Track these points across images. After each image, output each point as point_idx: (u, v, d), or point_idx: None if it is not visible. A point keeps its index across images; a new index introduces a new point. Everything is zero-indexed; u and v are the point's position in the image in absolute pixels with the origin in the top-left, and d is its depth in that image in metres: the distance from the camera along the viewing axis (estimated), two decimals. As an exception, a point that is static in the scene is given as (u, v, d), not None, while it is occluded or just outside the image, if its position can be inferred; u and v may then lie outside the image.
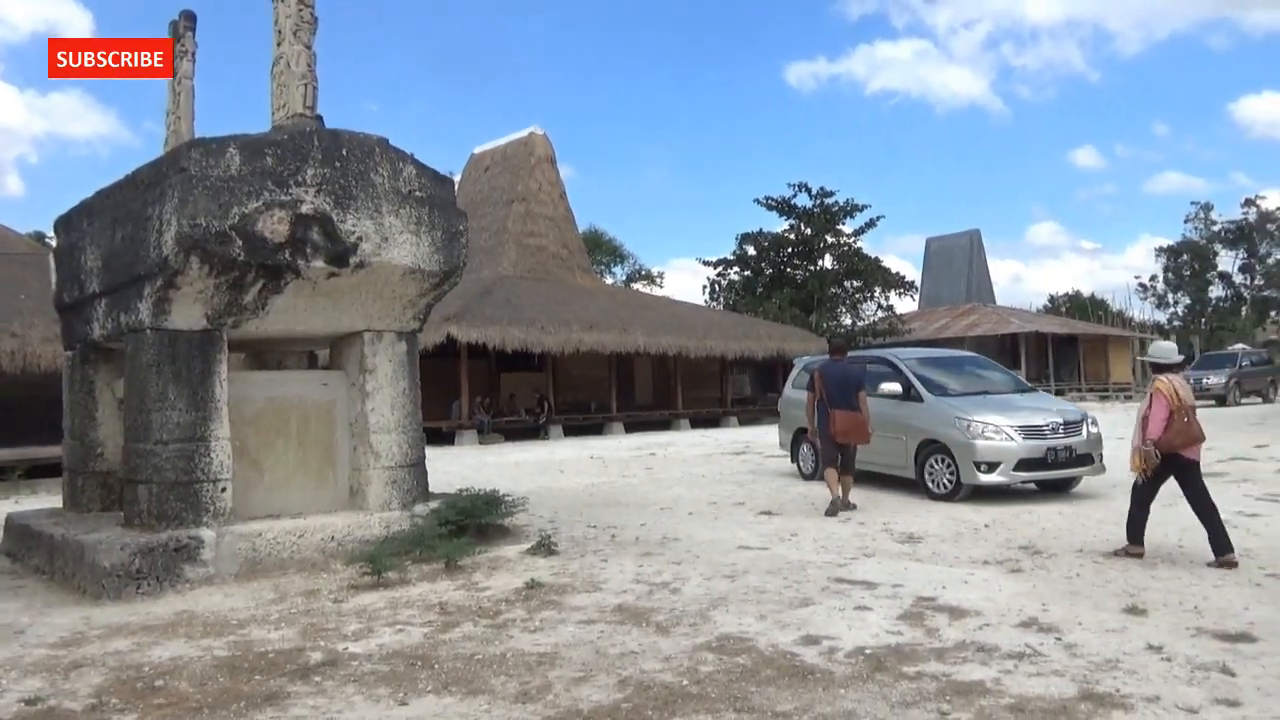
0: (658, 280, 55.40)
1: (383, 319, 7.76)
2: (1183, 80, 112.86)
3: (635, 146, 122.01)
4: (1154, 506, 9.18)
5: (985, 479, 9.67)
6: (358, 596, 6.17)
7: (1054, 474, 10.02)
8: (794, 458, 12.94)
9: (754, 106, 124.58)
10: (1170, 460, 6.77)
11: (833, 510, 9.32)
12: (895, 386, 10.90)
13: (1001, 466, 9.64)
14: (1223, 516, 8.41)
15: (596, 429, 25.63)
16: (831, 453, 9.67)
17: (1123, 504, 9.42)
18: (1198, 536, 7.51)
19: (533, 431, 24.37)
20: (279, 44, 7.81)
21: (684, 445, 20.07)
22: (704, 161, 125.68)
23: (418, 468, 8.03)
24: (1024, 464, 9.71)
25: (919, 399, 10.71)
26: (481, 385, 25.61)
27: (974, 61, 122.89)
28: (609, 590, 6.21)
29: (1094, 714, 3.73)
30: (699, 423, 27.81)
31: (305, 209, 6.83)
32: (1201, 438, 6.81)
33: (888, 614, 5.39)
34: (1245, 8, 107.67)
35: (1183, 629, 4.91)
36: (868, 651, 4.65)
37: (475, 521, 7.77)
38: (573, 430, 24.88)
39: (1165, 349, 7.38)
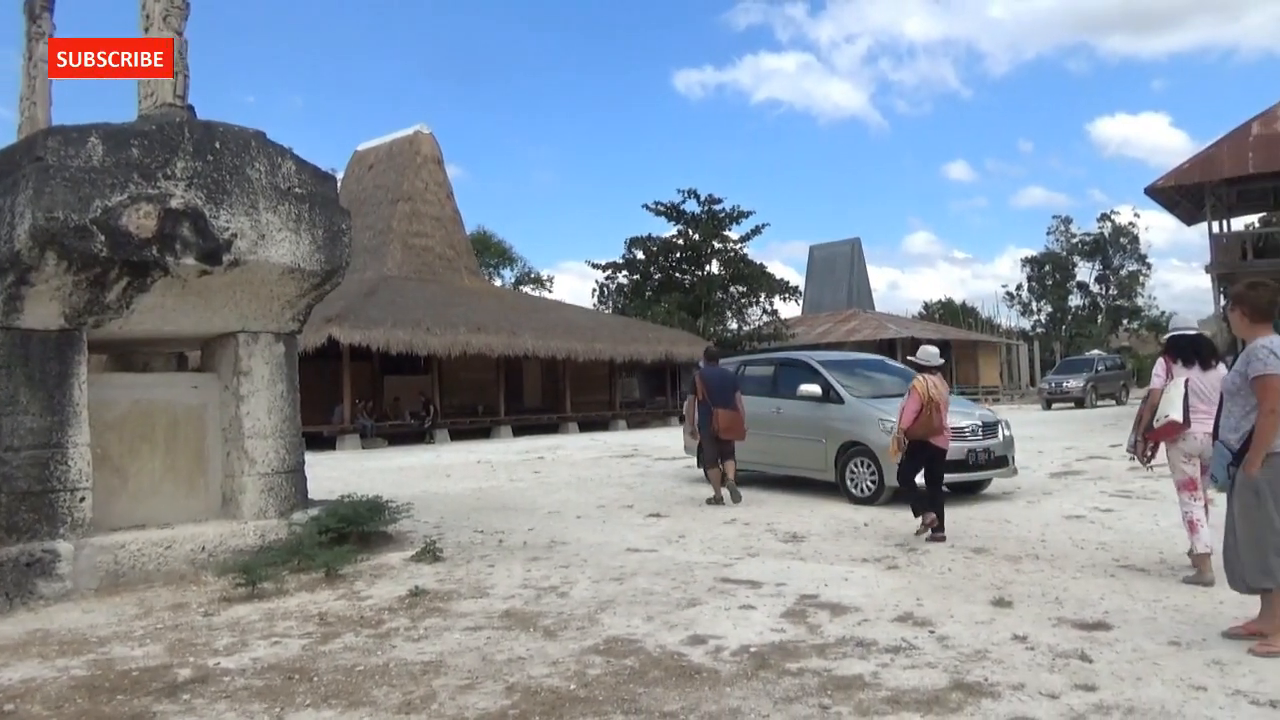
0: (547, 283, 55.28)
1: (259, 319, 7.46)
2: (1046, 100, 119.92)
3: (524, 148, 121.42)
4: (1018, 505, 9.69)
5: None
6: (230, 609, 5.90)
7: (974, 475, 10.03)
8: (700, 462, 12.59)
9: (643, 112, 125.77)
10: (922, 446, 7.86)
11: (716, 500, 10.15)
12: (814, 388, 10.66)
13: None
14: (1081, 512, 8.97)
15: (484, 433, 25.32)
16: (714, 449, 10.36)
17: (999, 503, 9.92)
18: (1059, 532, 7.96)
19: (418, 436, 23.89)
20: (146, 29, 7.41)
21: (573, 448, 20.03)
22: (593, 165, 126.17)
23: (296, 474, 7.75)
24: (946, 465, 9.80)
25: (839, 401, 10.52)
26: (364, 388, 24.96)
27: (855, 75, 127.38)
28: (496, 596, 6.13)
29: (964, 703, 3.89)
30: (588, 426, 27.82)
31: (175, 203, 6.50)
32: (941, 429, 7.87)
33: (772, 612, 5.49)
34: (1102, 34, 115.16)
35: (1045, 619, 5.17)
36: (752, 649, 4.73)
37: (357, 529, 7.55)
38: (460, 434, 24.51)
39: (928, 353, 8.26)
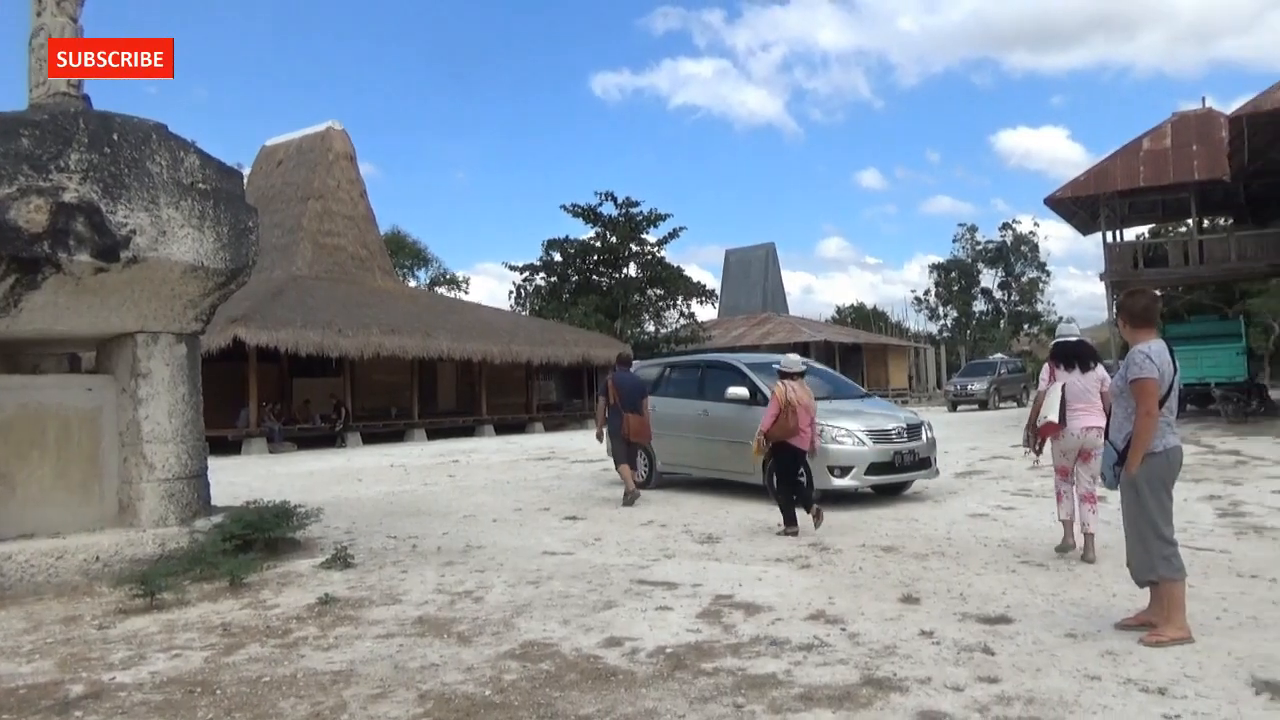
0: (463, 285, 54.62)
1: (159, 319, 7.16)
2: (953, 112, 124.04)
3: (441, 148, 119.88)
4: (926, 505, 9.96)
5: (838, 483, 9.61)
6: (127, 621, 5.66)
7: (899, 477, 10.18)
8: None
9: (561, 114, 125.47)
10: (783, 446, 8.37)
11: (629, 500, 10.39)
12: (742, 391, 10.60)
13: (854, 471, 9.62)
14: (984, 511, 9.27)
15: (398, 436, 24.86)
16: (624, 450, 10.88)
17: (909, 503, 10.18)
18: (964, 530, 8.22)
19: (329, 439, 23.31)
20: (39, 13, 7.06)
21: (489, 451, 19.82)
22: (511, 166, 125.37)
23: (198, 479, 7.47)
24: (874, 468, 9.72)
25: (766, 403, 10.54)
26: (272, 391, 24.26)
27: (770, 83, 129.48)
28: (409, 602, 6.02)
29: (874, 698, 3.98)
30: (504, 429, 27.58)
31: (68, 197, 6.20)
32: (798, 431, 8.29)
33: (687, 613, 5.53)
34: (1006, 50, 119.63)
35: (951, 614, 5.33)
36: (668, 650, 4.75)
37: (263, 535, 7.32)
38: (372, 438, 24.01)
39: (791, 361, 8.81)
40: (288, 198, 27.58)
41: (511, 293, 43.07)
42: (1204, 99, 28.03)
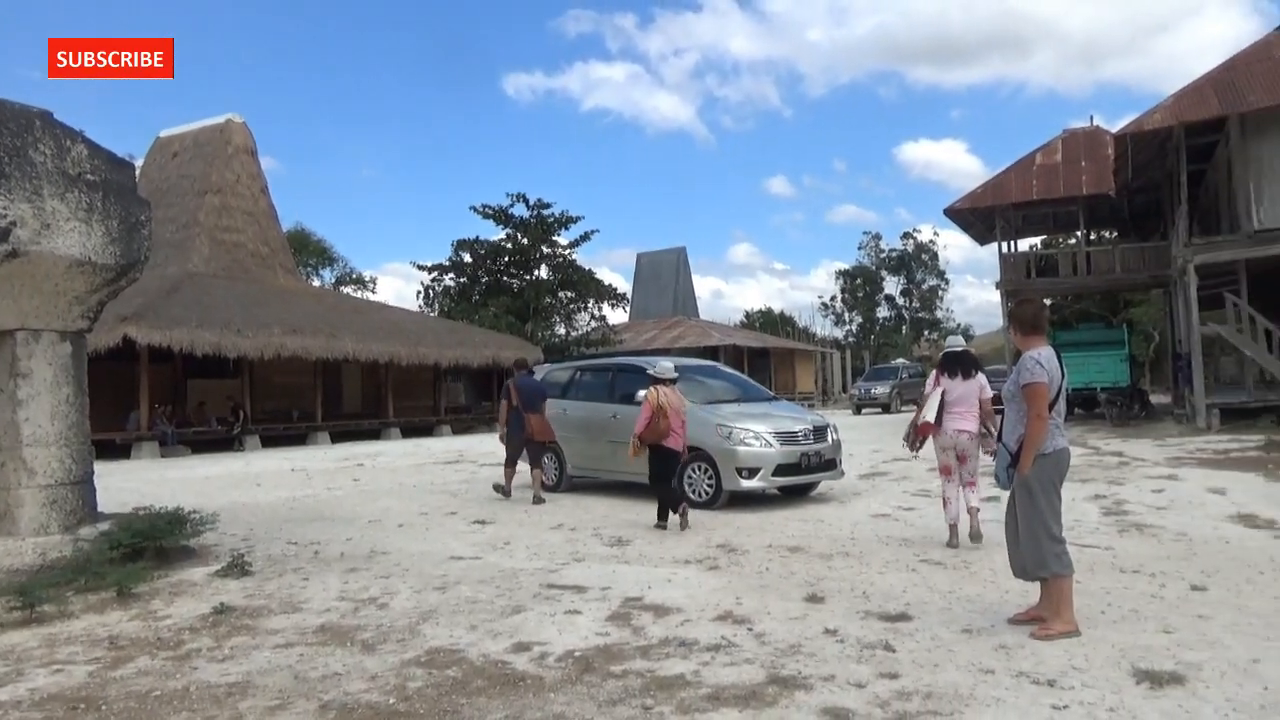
0: (369, 284, 53.42)
1: (42, 316, 6.79)
2: (859, 123, 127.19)
3: (347, 144, 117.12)
4: (831, 505, 10.17)
5: (746, 485, 9.75)
6: (3, 636, 5.34)
7: (806, 478, 10.35)
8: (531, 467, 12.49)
9: (472, 113, 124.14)
10: (657, 448, 8.88)
11: (503, 494, 11.10)
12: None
13: (762, 472, 9.74)
14: (886, 511, 9.53)
15: (299, 439, 24.17)
16: (530, 450, 11.19)
17: (815, 504, 10.38)
18: (867, 531, 8.42)
19: (226, 443, 22.50)
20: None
21: (395, 455, 19.44)
22: (420, 164, 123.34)
23: (83, 485, 7.11)
24: (781, 469, 9.85)
25: None
26: (165, 393, 23.33)
27: (682, 89, 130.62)
28: (310, 610, 5.85)
29: (780, 696, 4.04)
30: (411, 432, 27.09)
31: (-59, 185, 5.83)
32: (668, 433, 8.80)
33: (596, 616, 5.52)
34: (910, 64, 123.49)
35: (854, 613, 5.46)
36: (577, 654, 4.74)
37: (154, 543, 7.01)
38: (272, 441, 23.28)
39: (663, 368, 9.34)
40: (183, 191, 26.53)
41: (420, 293, 42.34)
42: (1091, 117, 29.55)
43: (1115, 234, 32.58)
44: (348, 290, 48.12)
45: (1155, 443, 16.38)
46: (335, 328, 24.80)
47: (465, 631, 5.25)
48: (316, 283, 47.40)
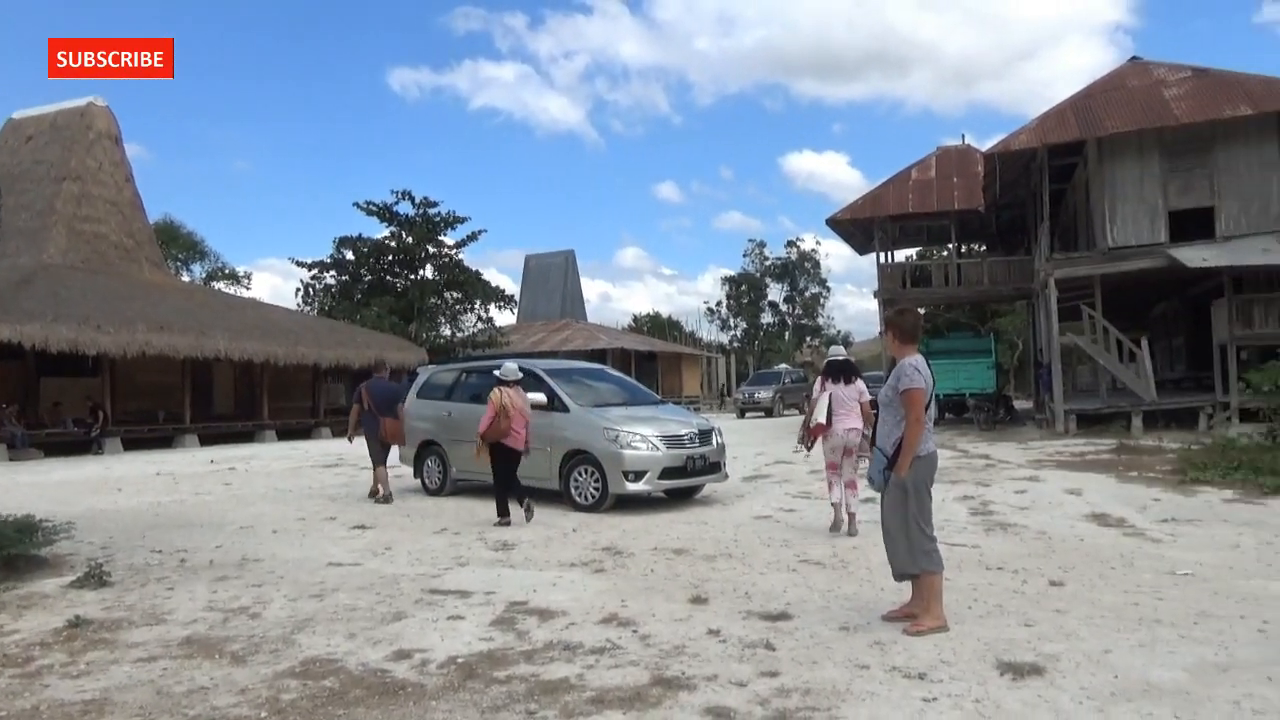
0: (244, 281, 51.21)
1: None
2: (745, 132, 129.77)
3: (222, 134, 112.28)
4: (715, 508, 10.33)
5: (632, 488, 9.78)
6: None
7: (691, 481, 10.43)
8: (417, 473, 12.09)
9: (357, 106, 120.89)
10: (499, 447, 9.24)
11: (385, 500, 11.08)
12: (539, 397, 10.46)
13: (648, 475, 9.79)
14: (769, 513, 9.73)
15: (166, 442, 22.97)
16: (380, 453, 11.43)
17: (699, 506, 10.50)
18: (750, 532, 8.59)
19: (83, 445, 21.18)
20: None
21: (269, 458, 18.71)
22: (300, 157, 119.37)
23: (-80, 491, 6.57)
24: (667, 472, 9.91)
25: (564, 409, 10.49)
26: (14, 391, 21.82)
27: (572, 91, 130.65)
28: (175, 621, 5.56)
29: (664, 697, 4.07)
30: (288, 434, 26.11)
31: None
32: (510, 432, 9.21)
33: (480, 621, 5.44)
34: (795, 77, 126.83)
35: (736, 613, 5.55)
36: (460, 660, 4.66)
37: (1, 553, 6.54)
38: (136, 444, 22.04)
39: (509, 370, 9.65)
40: (38, 177, 24.86)
41: (299, 291, 40.77)
42: (964, 136, 31.20)
43: (984, 248, 34.24)
44: (221, 286, 46.04)
45: (1019, 446, 17.27)
46: (206, 325, 23.70)
47: (343, 640, 5.09)
48: (186, 278, 45.20)
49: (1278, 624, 5.03)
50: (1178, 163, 19.71)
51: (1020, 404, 30.83)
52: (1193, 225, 19.60)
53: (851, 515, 8.25)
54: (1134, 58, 23.24)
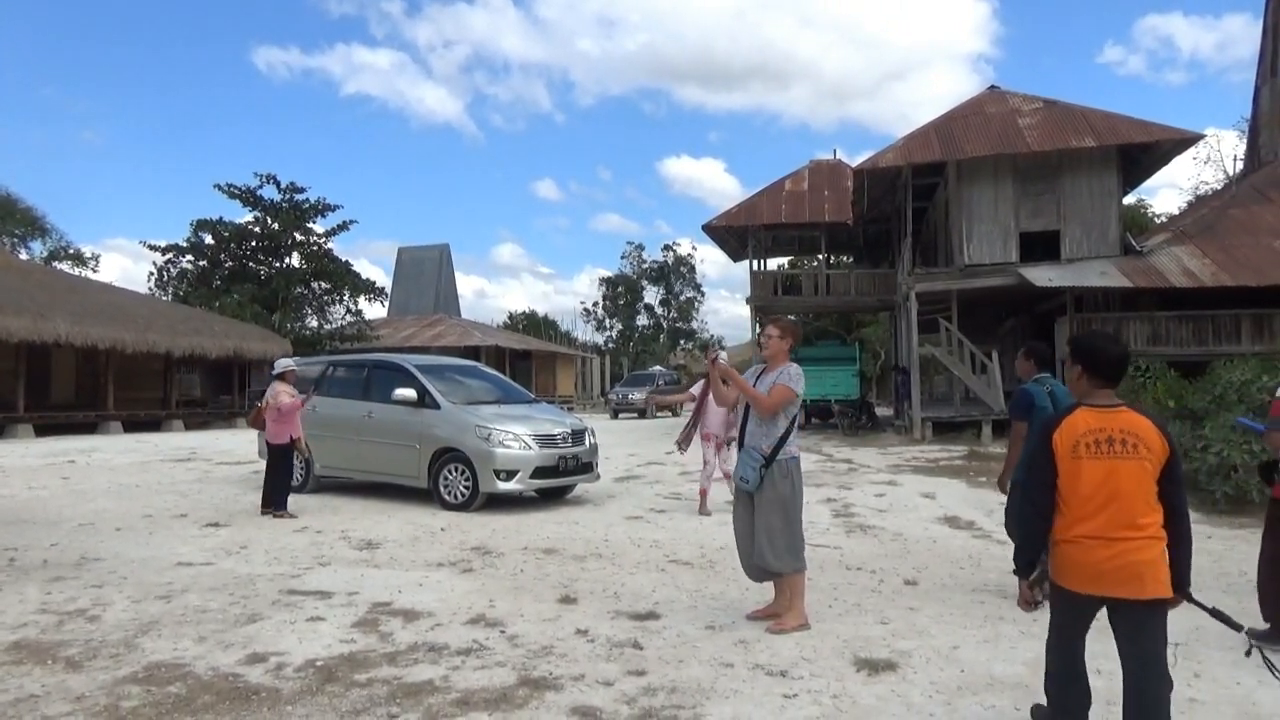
0: (90, 262, 47.94)
1: None
2: (626, 135, 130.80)
3: (65, 101, 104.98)
4: (586, 508, 10.34)
5: (504, 487, 9.70)
6: None
7: (563, 481, 10.39)
8: None
9: (217, 83, 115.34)
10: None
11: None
12: (410, 393, 10.35)
13: (519, 474, 9.73)
14: (639, 513, 9.80)
15: (-4, 432, 21.28)
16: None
17: (570, 506, 10.47)
18: (620, 533, 8.63)
19: (-101, 434, 19.39)
20: None
21: (114, 451, 17.58)
22: (154, 133, 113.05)
23: None
24: (539, 471, 9.87)
25: (435, 406, 10.32)
26: None
27: (451, 82, 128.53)
28: (2, 625, 5.15)
29: (530, 698, 4.04)
30: (135, 426, 24.61)
31: None
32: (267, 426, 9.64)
33: (342, 623, 5.27)
34: (678, 83, 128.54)
35: (605, 613, 5.56)
36: (319, 663, 4.49)
37: None
38: (-39, 433, 20.32)
39: (282, 364, 9.99)
40: None
41: (152, 275, 38.54)
42: (835, 151, 32.21)
43: (852, 259, 35.57)
44: (63, 267, 42.99)
45: (879, 451, 17.99)
46: (45, 307, 22.11)
47: (192, 644, 4.83)
48: (23, 255, 41.98)
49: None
50: (1029, 187, 21.02)
51: (881, 411, 32.15)
52: (1040, 247, 20.94)
53: (703, 494, 9.75)
54: (993, 86, 24.59)
